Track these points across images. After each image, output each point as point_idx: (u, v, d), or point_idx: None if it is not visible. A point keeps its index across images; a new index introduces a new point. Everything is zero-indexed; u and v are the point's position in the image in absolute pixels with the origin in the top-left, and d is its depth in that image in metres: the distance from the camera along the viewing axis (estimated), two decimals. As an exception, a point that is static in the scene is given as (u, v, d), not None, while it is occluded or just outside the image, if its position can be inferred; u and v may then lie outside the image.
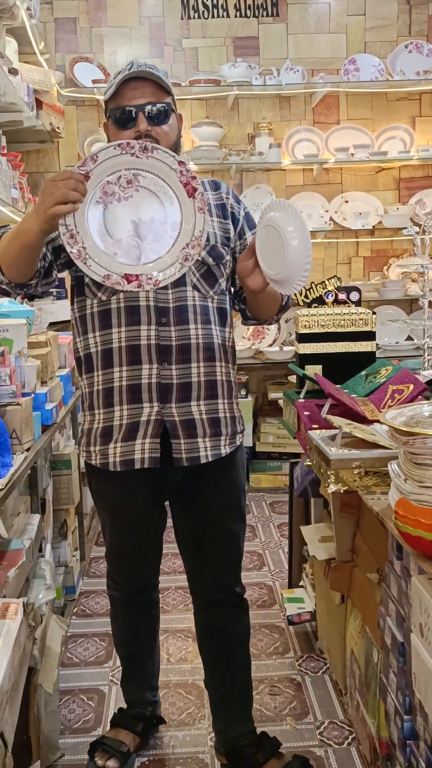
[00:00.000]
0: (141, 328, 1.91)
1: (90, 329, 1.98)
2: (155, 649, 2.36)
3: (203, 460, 1.96)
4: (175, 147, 1.94)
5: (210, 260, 1.95)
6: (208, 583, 2.15)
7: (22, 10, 3.63)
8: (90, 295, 1.96)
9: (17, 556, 2.09)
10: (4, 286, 1.88)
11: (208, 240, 1.94)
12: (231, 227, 2.02)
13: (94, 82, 4.78)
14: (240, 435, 2.07)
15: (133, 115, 1.86)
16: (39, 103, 4.38)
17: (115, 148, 1.71)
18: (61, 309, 4.38)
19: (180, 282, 1.90)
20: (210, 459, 1.97)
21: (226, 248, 1.99)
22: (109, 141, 1.92)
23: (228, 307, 2.05)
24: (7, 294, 1.93)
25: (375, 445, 1.86)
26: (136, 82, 1.87)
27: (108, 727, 2.35)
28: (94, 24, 4.96)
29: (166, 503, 2.16)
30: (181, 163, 1.73)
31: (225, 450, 2.00)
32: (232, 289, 2.09)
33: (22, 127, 4.21)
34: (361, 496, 1.76)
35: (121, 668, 2.36)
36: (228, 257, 2.00)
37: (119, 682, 2.39)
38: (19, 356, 2.74)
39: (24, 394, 2.60)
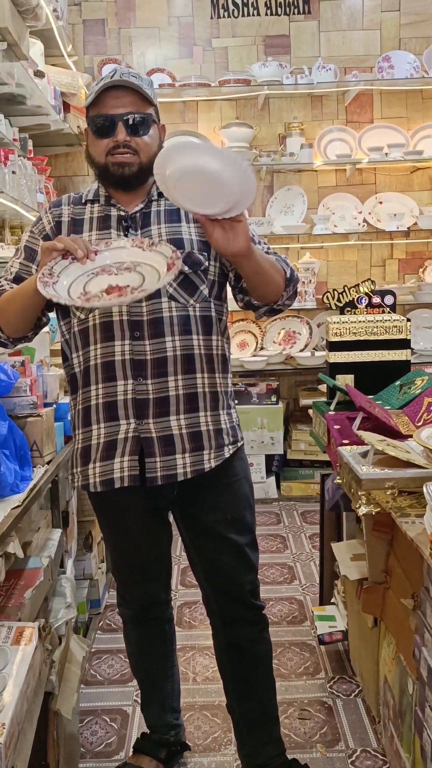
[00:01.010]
0: (115, 343, 1.86)
1: (74, 349, 1.93)
2: (173, 668, 2.27)
3: (180, 477, 1.87)
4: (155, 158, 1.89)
5: (186, 268, 1.86)
6: (220, 600, 2.06)
7: (47, 11, 3.58)
8: (72, 315, 1.92)
9: (35, 575, 2.02)
10: (2, 341, 1.95)
11: (182, 247, 1.87)
12: None
13: (122, 83, 4.70)
14: (230, 447, 1.97)
15: (113, 125, 1.82)
16: (66, 106, 4.33)
17: (126, 241, 1.81)
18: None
19: (154, 294, 1.83)
20: (189, 476, 1.88)
21: (205, 254, 1.90)
22: (87, 149, 1.93)
23: (214, 314, 1.94)
24: (4, 346, 1.99)
25: (410, 464, 1.75)
26: (117, 91, 1.82)
27: (131, 752, 2.27)
28: (122, 25, 4.89)
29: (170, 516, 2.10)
30: (174, 251, 1.76)
31: (210, 464, 1.90)
32: (229, 288, 1.99)
33: (50, 130, 4.16)
34: (395, 518, 1.65)
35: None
36: (207, 263, 1.90)
37: (140, 707, 2.30)
38: (42, 365, 2.68)
39: (46, 404, 2.53)
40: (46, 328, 2.73)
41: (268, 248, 1.98)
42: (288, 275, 1.93)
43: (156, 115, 1.90)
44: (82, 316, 1.88)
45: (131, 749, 2.28)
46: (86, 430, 1.91)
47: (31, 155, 3.74)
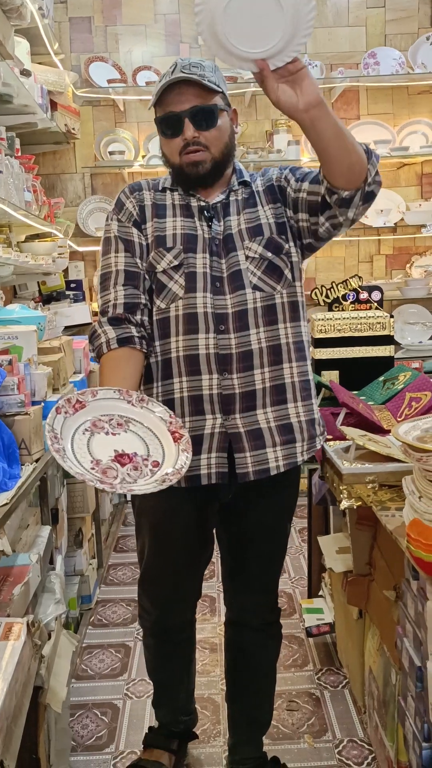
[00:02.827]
0: (199, 336, 1.81)
1: (151, 338, 1.89)
2: (189, 676, 2.25)
3: (273, 471, 1.83)
4: (229, 149, 1.84)
5: (268, 254, 1.82)
6: (238, 604, 2.08)
7: (32, 9, 3.59)
8: (152, 304, 1.88)
9: (23, 572, 2.04)
10: None
11: (262, 233, 1.83)
12: (282, 206, 1.87)
13: (109, 81, 4.72)
14: (320, 438, 1.92)
15: (179, 122, 1.77)
16: (53, 105, 4.33)
17: (114, 392, 1.73)
18: (78, 312, 4.34)
19: (238, 285, 1.81)
20: (282, 469, 1.84)
21: (284, 236, 1.85)
22: (161, 148, 1.87)
23: (300, 298, 1.90)
24: None
25: (390, 458, 1.78)
26: (180, 86, 1.75)
27: (121, 744, 2.30)
28: (109, 23, 4.90)
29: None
30: (171, 415, 1.72)
31: (302, 457, 1.86)
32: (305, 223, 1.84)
33: (37, 129, 4.17)
34: (375, 512, 1.68)
35: (141, 684, 2.30)
36: (287, 245, 1.85)
37: (151, 702, 2.28)
38: (29, 364, 2.69)
39: (34, 403, 2.55)
40: (33, 326, 2.76)
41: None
42: (366, 147, 1.71)
43: (225, 101, 1.83)
44: (162, 306, 1.84)
45: (141, 745, 2.24)
46: None
47: (19, 154, 3.75)
